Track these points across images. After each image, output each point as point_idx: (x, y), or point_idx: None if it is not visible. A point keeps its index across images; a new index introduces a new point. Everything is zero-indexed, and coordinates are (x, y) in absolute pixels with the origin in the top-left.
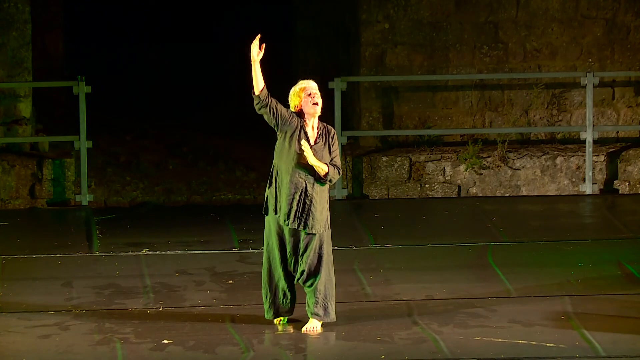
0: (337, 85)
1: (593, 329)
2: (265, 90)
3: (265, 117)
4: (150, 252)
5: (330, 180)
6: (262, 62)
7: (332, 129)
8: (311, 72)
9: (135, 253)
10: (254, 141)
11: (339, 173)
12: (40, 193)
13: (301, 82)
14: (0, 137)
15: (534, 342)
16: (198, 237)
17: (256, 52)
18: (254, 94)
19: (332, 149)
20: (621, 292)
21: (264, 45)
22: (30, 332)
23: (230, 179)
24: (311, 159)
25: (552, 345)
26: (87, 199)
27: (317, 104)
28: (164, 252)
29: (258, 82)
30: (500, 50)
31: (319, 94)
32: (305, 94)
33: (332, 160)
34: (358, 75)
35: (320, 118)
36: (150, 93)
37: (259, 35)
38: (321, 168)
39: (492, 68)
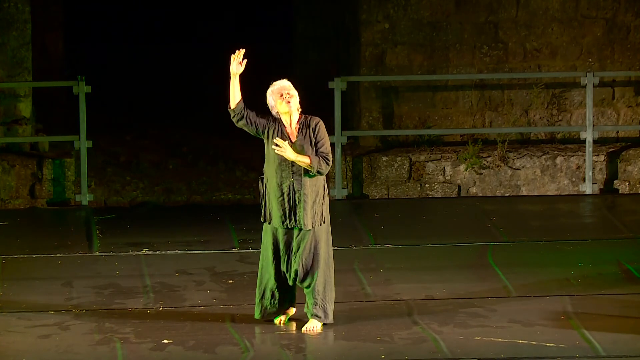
0: (337, 85)
1: (593, 328)
2: (241, 104)
3: (246, 129)
4: (150, 252)
5: (318, 171)
6: (262, 61)
7: (316, 118)
8: (311, 72)
9: (135, 253)
10: (254, 141)
11: (327, 162)
12: (40, 193)
13: (274, 83)
14: (0, 137)
15: (534, 342)
16: (198, 237)
17: (235, 66)
18: (229, 108)
19: (316, 139)
20: (621, 292)
21: (245, 60)
22: (30, 332)
23: (230, 179)
24: (289, 155)
25: (552, 345)
26: (87, 199)
27: (289, 102)
28: (164, 252)
29: (235, 96)
30: (500, 50)
31: (292, 91)
32: (278, 95)
33: (318, 150)
34: (358, 75)
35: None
36: (150, 93)
37: (243, 50)
38: (303, 161)
39: (492, 68)
